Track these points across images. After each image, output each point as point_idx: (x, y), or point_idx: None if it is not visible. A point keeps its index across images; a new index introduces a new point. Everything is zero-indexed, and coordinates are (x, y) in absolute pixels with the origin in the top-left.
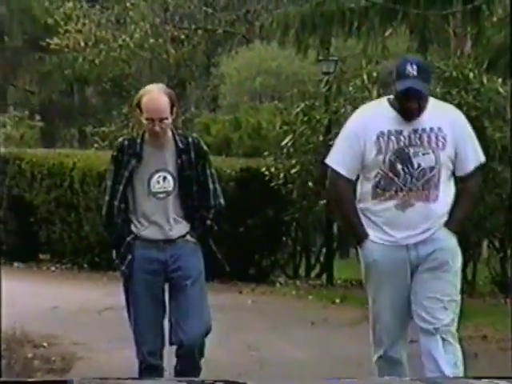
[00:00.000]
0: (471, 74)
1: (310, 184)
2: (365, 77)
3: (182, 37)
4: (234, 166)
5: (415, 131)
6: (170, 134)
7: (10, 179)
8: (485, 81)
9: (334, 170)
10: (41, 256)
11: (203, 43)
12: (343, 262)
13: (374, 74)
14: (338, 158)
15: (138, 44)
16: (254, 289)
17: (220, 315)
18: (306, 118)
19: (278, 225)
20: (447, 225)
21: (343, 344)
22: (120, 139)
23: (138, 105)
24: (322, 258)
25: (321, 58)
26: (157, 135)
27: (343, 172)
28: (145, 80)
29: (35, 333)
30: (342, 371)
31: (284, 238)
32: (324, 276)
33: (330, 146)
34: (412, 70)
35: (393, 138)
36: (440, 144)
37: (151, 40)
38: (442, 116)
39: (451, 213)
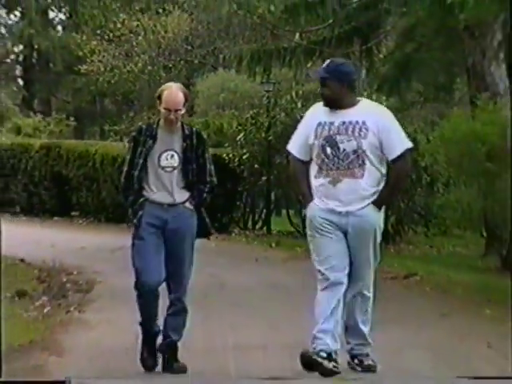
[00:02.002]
0: (365, 93)
1: (256, 166)
2: (293, 94)
3: (170, 65)
4: None
5: (343, 123)
6: (179, 123)
7: (52, 160)
8: (374, 98)
9: (289, 152)
10: (72, 213)
11: (184, 70)
12: (278, 218)
13: (300, 92)
14: (293, 144)
15: (141, 70)
16: (217, 237)
17: None
18: (253, 121)
19: (233, 193)
20: (374, 202)
21: (277, 275)
22: (139, 123)
23: (159, 97)
24: (263, 216)
25: (263, 81)
26: (171, 122)
27: (294, 152)
28: (144, 95)
29: (68, 264)
30: (275, 293)
31: (238, 203)
32: (264, 228)
33: (270, 140)
34: (325, 64)
35: (326, 127)
36: (362, 134)
37: (149, 67)
38: (369, 113)
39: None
